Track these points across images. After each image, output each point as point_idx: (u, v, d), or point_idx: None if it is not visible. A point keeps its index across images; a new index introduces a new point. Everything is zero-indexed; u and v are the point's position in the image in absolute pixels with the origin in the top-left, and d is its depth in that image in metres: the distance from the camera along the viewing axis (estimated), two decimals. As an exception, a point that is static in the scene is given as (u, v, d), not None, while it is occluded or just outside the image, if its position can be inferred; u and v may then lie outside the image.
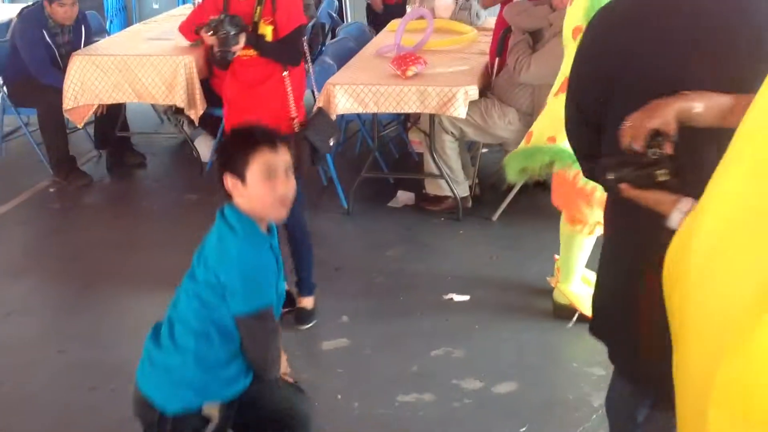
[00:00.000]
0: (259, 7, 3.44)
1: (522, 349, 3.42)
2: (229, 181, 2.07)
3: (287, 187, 2.08)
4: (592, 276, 3.06)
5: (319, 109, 4.01)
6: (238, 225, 2.07)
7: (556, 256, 3.67)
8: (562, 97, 3.26)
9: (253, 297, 2.06)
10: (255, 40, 3.42)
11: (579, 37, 3.17)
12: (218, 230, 2.10)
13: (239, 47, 3.37)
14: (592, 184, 3.15)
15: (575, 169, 3.22)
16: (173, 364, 2.13)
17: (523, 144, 3.60)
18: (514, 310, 3.71)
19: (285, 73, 3.49)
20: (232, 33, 3.33)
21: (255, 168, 2.03)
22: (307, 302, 3.64)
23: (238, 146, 2.09)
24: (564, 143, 3.24)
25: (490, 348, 3.43)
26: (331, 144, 3.71)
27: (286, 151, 2.09)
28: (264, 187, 2.04)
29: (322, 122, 3.73)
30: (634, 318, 1.81)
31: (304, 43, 3.73)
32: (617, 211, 1.92)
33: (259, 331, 2.10)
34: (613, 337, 1.96)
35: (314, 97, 4.64)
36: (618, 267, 1.91)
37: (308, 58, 3.88)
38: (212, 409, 2.14)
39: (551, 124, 3.36)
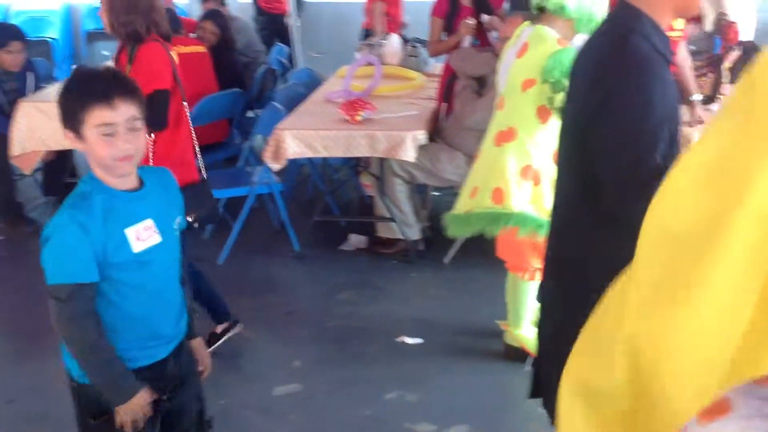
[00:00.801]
0: (129, 65, 3.28)
1: (475, 391, 3.43)
2: (70, 137, 1.95)
3: (129, 144, 1.92)
4: None
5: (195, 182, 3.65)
6: (80, 187, 1.96)
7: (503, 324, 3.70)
8: (508, 146, 3.36)
9: (52, 269, 1.94)
10: None
11: (529, 90, 3.25)
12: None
13: None
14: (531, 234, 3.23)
15: (529, 229, 3.25)
16: None
17: (466, 199, 3.52)
18: (467, 352, 3.73)
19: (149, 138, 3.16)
20: None
21: (90, 126, 1.90)
22: (218, 328, 3.67)
23: (72, 102, 1.93)
24: (513, 201, 3.28)
25: (443, 391, 3.44)
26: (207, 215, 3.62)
27: (128, 104, 1.91)
28: (102, 147, 1.90)
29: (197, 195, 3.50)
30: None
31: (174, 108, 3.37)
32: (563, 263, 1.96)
33: (53, 310, 1.99)
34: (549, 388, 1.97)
35: (264, 141, 4.66)
36: (558, 316, 1.94)
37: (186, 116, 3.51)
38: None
39: (494, 175, 3.35)
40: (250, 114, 5.83)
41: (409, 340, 3.82)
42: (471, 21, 4.89)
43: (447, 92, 4.81)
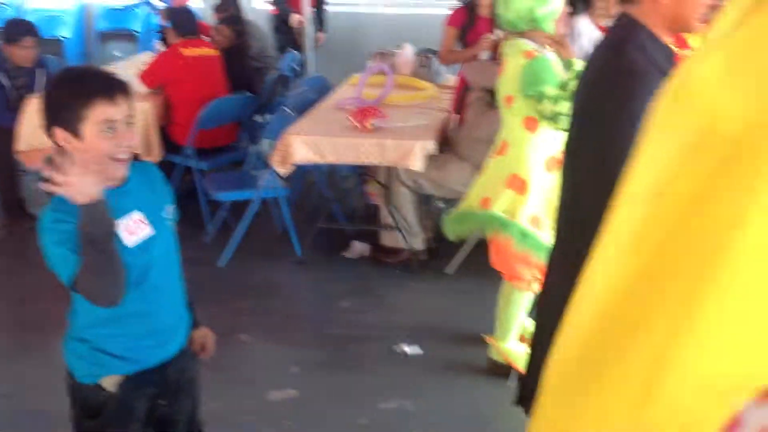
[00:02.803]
0: None
1: (473, 403, 3.38)
2: (60, 136, 1.88)
3: (129, 139, 1.92)
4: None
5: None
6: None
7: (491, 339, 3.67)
8: (500, 159, 3.50)
9: (61, 269, 1.89)
10: None
11: (512, 105, 3.33)
12: None
13: None
14: (525, 246, 3.30)
15: (505, 234, 3.34)
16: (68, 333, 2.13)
17: (459, 204, 3.69)
18: (466, 363, 3.68)
19: None
20: None
21: (91, 123, 1.86)
22: None
23: (70, 98, 1.89)
24: (494, 207, 3.39)
25: (441, 401, 3.39)
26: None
27: (127, 101, 1.91)
28: (104, 142, 1.88)
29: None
30: None
31: None
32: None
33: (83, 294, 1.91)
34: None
35: (272, 146, 4.63)
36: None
37: None
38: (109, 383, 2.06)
39: (486, 186, 3.49)
40: (258, 118, 5.81)
41: (409, 350, 3.77)
42: (492, 36, 4.88)
43: (460, 103, 4.79)
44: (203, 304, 2.30)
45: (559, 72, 3.36)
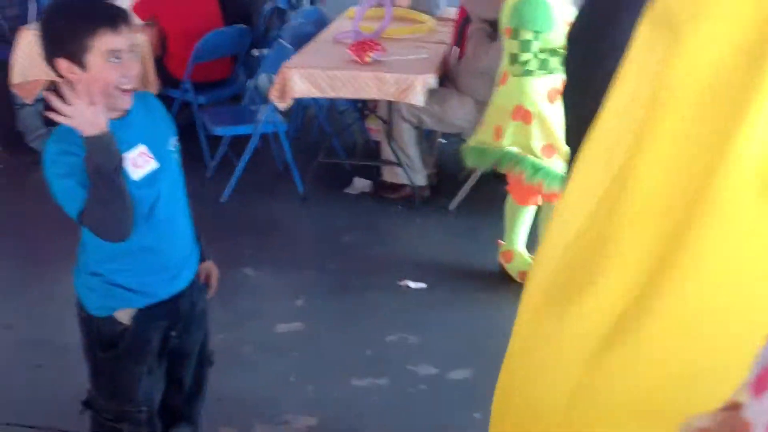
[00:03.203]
0: None
1: (477, 336, 3.41)
2: (64, 66, 1.86)
3: (134, 69, 1.91)
4: None
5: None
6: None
7: (501, 242, 3.85)
8: (503, 89, 3.62)
9: (68, 203, 1.88)
10: None
11: (509, 37, 3.40)
12: None
13: None
14: (538, 178, 3.49)
15: (520, 168, 3.52)
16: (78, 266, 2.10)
17: (476, 134, 3.83)
18: (470, 297, 3.70)
19: None
20: None
21: (97, 53, 1.84)
22: None
23: (73, 28, 1.85)
24: (505, 141, 3.56)
25: (445, 335, 3.42)
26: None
27: (128, 29, 1.89)
28: (110, 71, 1.86)
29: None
30: None
31: None
32: None
33: (90, 228, 1.92)
34: None
35: (270, 80, 4.58)
36: None
37: None
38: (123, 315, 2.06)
39: (495, 116, 3.66)
40: (255, 52, 5.72)
41: (412, 284, 3.79)
42: None
43: (460, 36, 4.72)
44: (206, 240, 2.29)
45: (559, 16, 3.39)
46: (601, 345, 1.19)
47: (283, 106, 4.45)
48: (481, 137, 3.75)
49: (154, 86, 4.96)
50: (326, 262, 4.02)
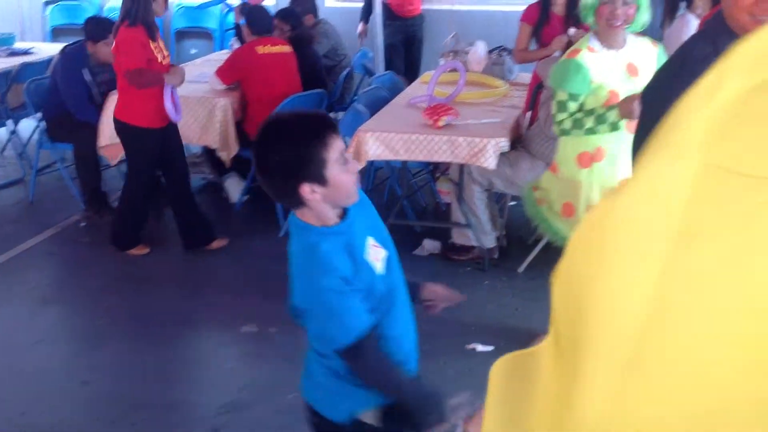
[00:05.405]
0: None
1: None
2: (307, 191, 1.80)
3: (355, 164, 1.92)
4: None
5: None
6: (307, 241, 1.86)
7: None
8: (589, 171, 3.75)
9: (335, 334, 1.84)
10: None
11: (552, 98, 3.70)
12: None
13: None
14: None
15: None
16: (313, 370, 2.04)
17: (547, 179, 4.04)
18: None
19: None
20: None
21: (333, 161, 1.79)
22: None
23: (312, 148, 1.79)
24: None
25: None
26: None
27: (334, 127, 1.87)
28: (346, 176, 1.83)
29: None
30: None
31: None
32: None
33: (353, 366, 1.90)
34: None
35: (345, 143, 4.69)
36: None
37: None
38: (369, 416, 2.00)
39: (566, 190, 3.84)
40: (331, 116, 5.87)
41: (481, 348, 3.79)
42: (565, 37, 4.85)
43: (533, 101, 4.77)
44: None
45: (596, 78, 3.45)
46: None
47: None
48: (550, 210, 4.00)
49: (233, 148, 5.14)
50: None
